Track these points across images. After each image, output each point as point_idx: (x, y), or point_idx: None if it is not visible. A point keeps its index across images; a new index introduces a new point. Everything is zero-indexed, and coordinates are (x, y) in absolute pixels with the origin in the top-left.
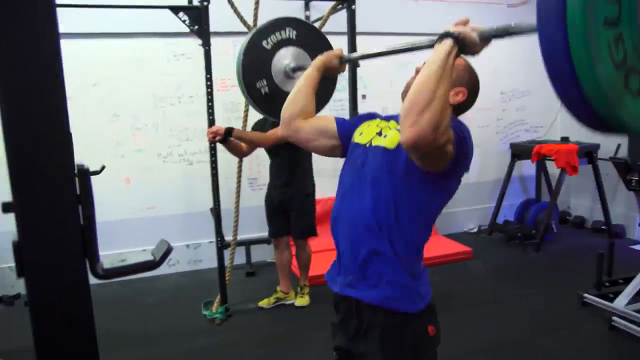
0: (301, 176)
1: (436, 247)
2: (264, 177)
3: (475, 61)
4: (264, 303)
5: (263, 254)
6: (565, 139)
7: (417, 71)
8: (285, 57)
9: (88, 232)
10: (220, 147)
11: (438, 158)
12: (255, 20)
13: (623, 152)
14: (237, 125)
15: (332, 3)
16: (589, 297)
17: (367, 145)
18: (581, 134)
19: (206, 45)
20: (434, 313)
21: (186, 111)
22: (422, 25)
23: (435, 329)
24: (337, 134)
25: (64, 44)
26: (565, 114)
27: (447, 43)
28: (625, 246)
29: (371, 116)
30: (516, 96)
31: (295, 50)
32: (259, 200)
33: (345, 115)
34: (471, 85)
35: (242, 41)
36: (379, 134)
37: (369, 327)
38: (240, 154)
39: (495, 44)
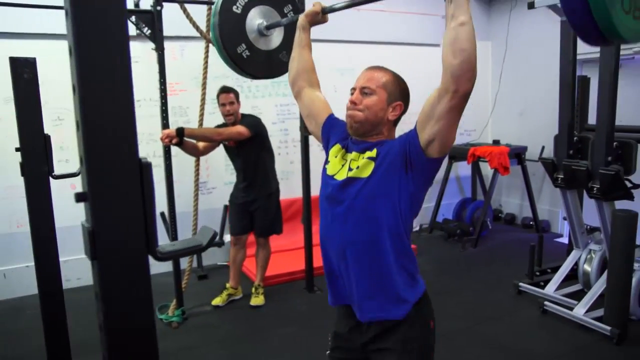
0: (262, 177)
1: None
2: (214, 180)
3: (412, 66)
4: (217, 301)
5: (213, 257)
6: (496, 142)
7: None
8: (256, 17)
9: (149, 219)
10: (173, 152)
11: (459, 105)
12: (208, 25)
13: (546, 153)
14: None
15: None
16: (524, 285)
17: (339, 178)
18: (510, 136)
19: (159, 49)
20: (430, 303)
21: None
22: (364, 33)
23: (434, 321)
24: (321, 128)
25: (7, 44)
26: (496, 118)
27: None
28: (551, 239)
29: (340, 133)
30: None
31: (263, 8)
32: (210, 204)
33: (292, 122)
34: (404, 95)
35: (213, 9)
36: (350, 169)
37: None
38: (197, 153)
39: (432, 53)
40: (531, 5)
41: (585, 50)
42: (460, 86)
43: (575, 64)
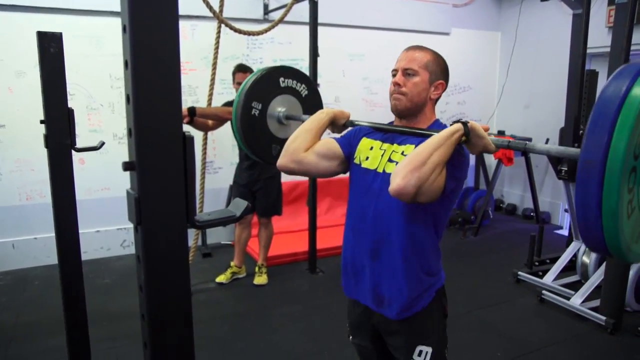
0: None
1: None
2: (220, 160)
3: None
4: (221, 278)
5: (217, 236)
6: (501, 132)
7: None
8: (286, 102)
9: (190, 189)
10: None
11: (426, 200)
12: (221, 5)
13: (551, 145)
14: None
15: None
16: (522, 274)
17: (380, 171)
18: (515, 128)
19: None
20: (444, 293)
21: None
22: (376, 19)
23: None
24: (341, 152)
25: (21, 17)
26: (502, 109)
27: (456, 125)
28: (551, 231)
29: (363, 134)
30: (458, 91)
31: (297, 104)
32: (215, 183)
33: None
34: (445, 73)
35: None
36: (390, 160)
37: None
38: (206, 129)
39: (442, 41)
40: None
41: (595, 44)
42: (392, 189)
43: (585, 57)
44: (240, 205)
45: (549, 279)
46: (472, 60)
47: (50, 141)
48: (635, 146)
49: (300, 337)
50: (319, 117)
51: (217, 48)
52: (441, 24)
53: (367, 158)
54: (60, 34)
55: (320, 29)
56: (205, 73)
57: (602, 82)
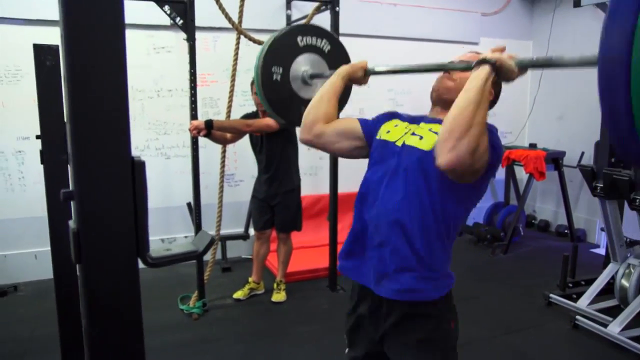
0: (286, 172)
1: None
2: (241, 173)
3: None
4: (239, 295)
5: (238, 250)
6: (533, 145)
7: (448, 70)
8: (309, 61)
9: (140, 222)
10: (201, 143)
11: (472, 175)
12: (240, 16)
13: (585, 159)
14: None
15: (315, 4)
16: (554, 297)
17: (400, 144)
18: (548, 141)
19: (191, 39)
20: (453, 305)
21: (165, 105)
22: (401, 29)
23: (455, 322)
24: (361, 134)
25: (37, 30)
26: (533, 121)
27: (485, 69)
28: (586, 250)
29: (392, 115)
30: None
31: (320, 61)
32: (236, 196)
33: None
34: (497, 87)
35: (282, 26)
36: (413, 134)
37: (395, 320)
38: (225, 142)
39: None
40: (577, 4)
41: None
42: (438, 155)
43: None
44: (204, 238)
45: (583, 303)
46: None
47: (46, 157)
48: None
49: (318, 358)
50: (332, 81)
51: (235, 59)
52: (469, 33)
53: (388, 131)
54: (57, 46)
55: (344, 39)
56: (227, 84)
57: None
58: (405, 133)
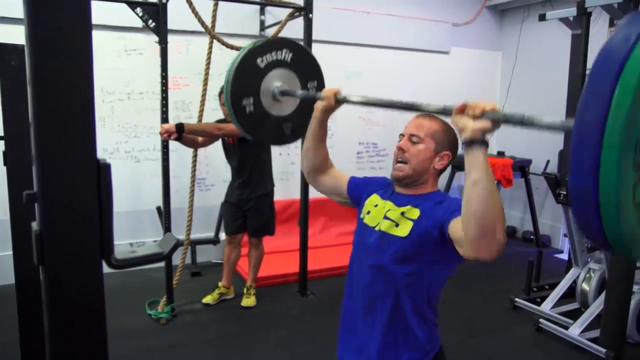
0: (259, 176)
1: None
2: (212, 177)
3: (420, 73)
4: (208, 299)
5: (208, 254)
6: (501, 154)
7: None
8: (276, 79)
9: (105, 224)
10: (171, 146)
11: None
12: (213, 21)
13: (551, 167)
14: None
15: (289, 10)
16: (520, 301)
17: (377, 229)
18: (515, 149)
19: (163, 42)
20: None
21: (135, 107)
22: (374, 37)
23: None
24: (345, 194)
25: (1, 28)
26: (502, 129)
27: (481, 152)
28: (551, 255)
29: (375, 188)
30: None
31: (288, 72)
32: (207, 201)
33: None
34: (453, 145)
35: (234, 55)
36: (385, 217)
37: None
38: (196, 146)
39: (441, 60)
40: (542, 17)
41: None
42: (479, 255)
43: (585, 78)
44: (170, 241)
45: (547, 306)
46: (472, 80)
47: (9, 158)
48: None
49: None
50: (314, 116)
51: (208, 64)
52: (441, 42)
53: (368, 212)
54: (23, 46)
55: (317, 46)
56: (199, 88)
57: None
58: (383, 217)
